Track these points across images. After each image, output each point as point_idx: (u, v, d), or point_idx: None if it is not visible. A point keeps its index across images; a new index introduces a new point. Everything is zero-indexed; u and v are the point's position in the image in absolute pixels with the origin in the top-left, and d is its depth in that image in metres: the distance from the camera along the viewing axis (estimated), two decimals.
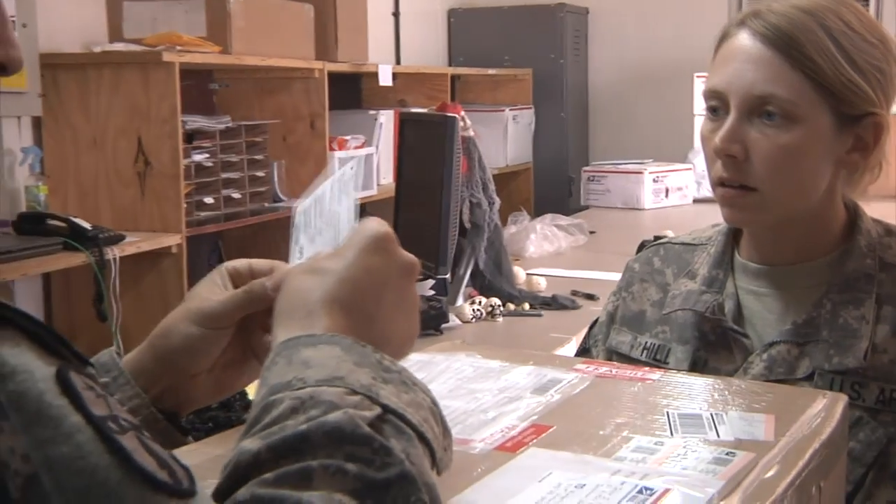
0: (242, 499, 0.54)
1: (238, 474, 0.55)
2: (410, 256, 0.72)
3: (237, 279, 0.82)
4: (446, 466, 0.64)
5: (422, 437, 0.59)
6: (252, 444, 0.56)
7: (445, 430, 0.65)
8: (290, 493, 0.53)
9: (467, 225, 2.52)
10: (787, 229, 1.21)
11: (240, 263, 0.84)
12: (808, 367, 1.17)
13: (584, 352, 1.42)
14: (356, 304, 0.67)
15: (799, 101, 1.13)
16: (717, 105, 1.18)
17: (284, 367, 0.61)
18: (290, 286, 0.70)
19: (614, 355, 1.34)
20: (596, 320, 1.42)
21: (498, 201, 2.59)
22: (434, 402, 0.65)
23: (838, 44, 1.13)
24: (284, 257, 3.43)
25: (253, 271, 0.82)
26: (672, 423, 0.82)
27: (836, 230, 1.22)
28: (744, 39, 1.16)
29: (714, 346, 1.23)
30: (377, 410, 0.58)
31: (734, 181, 1.17)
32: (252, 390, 1.90)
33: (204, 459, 0.75)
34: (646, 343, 1.30)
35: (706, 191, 4.18)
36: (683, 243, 1.35)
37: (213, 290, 0.81)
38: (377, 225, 0.71)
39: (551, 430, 0.80)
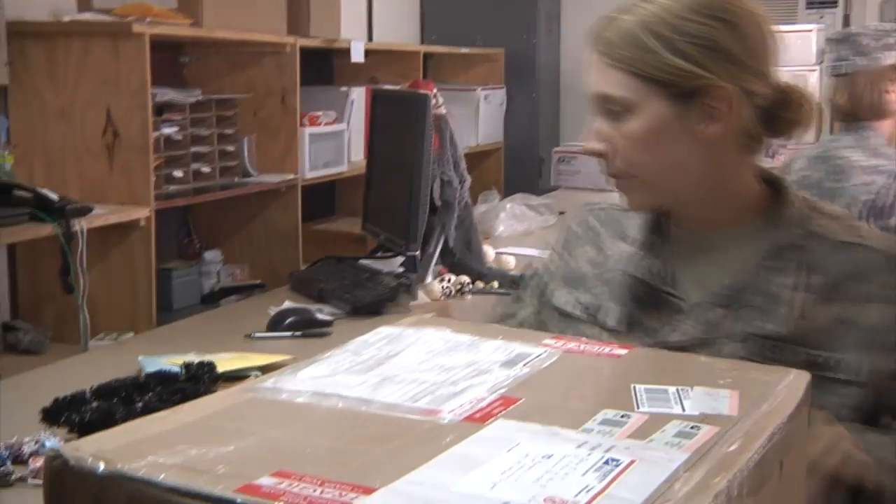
0: None
1: None
2: None
3: None
4: None
5: None
6: None
7: None
8: None
9: (438, 203, 2.52)
10: (697, 204, 1.29)
11: None
12: (732, 330, 1.23)
13: (517, 300, 1.49)
14: None
15: (628, 94, 1.24)
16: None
17: None
18: None
19: (555, 312, 1.40)
20: (534, 272, 1.48)
21: (469, 179, 2.60)
22: None
23: (658, 36, 1.23)
24: (252, 233, 3.42)
25: None
26: (638, 398, 0.83)
27: (754, 201, 1.28)
28: (588, 52, 1.30)
29: (647, 307, 1.30)
30: None
31: (612, 173, 1.29)
32: (221, 365, 1.90)
33: (176, 426, 0.75)
34: (583, 300, 1.36)
35: None
36: (619, 208, 1.41)
37: None
38: None
39: (519, 402, 0.81)
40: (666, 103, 1.23)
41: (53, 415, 1.52)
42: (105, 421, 1.48)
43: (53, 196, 2.40)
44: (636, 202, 1.31)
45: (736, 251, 1.27)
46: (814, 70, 4.05)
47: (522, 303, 1.47)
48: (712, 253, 1.29)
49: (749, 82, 1.23)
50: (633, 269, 1.32)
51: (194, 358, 1.80)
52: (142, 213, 2.63)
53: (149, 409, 1.53)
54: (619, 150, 1.26)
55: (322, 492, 0.63)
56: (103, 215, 2.52)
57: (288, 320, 2.19)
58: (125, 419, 1.48)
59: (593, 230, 1.41)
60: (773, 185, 1.30)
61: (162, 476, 0.65)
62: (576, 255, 1.41)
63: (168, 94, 2.94)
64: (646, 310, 1.30)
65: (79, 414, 1.51)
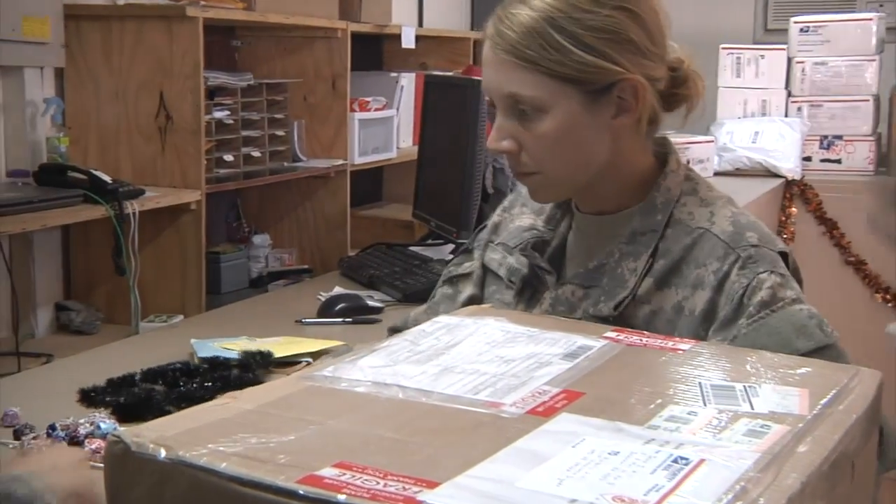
0: None
1: None
2: None
3: None
4: None
5: None
6: None
7: None
8: None
9: (490, 190, 2.50)
10: (594, 191, 1.29)
11: None
12: (582, 311, 1.26)
13: (466, 252, 1.51)
14: None
15: (540, 94, 1.21)
16: (491, 105, 1.28)
17: None
18: None
19: (486, 270, 1.43)
20: (485, 225, 1.50)
21: None
22: None
23: (565, 32, 1.19)
24: (300, 218, 3.43)
25: None
26: (705, 394, 0.81)
27: (640, 185, 1.29)
28: (488, 50, 1.25)
29: (533, 280, 1.34)
30: None
31: (519, 171, 1.28)
32: (278, 350, 1.88)
33: (235, 414, 0.74)
34: (509, 264, 1.38)
35: (727, 163, 4.15)
36: None
37: None
38: None
39: (583, 396, 0.80)
40: (578, 101, 1.22)
41: (91, 399, 1.51)
42: (145, 405, 1.47)
43: (107, 178, 2.41)
44: (541, 198, 1.33)
45: (608, 234, 1.29)
46: (873, 60, 3.95)
47: (470, 255, 1.49)
48: (591, 235, 1.32)
49: (652, 69, 1.24)
50: (516, 242, 1.37)
51: (249, 344, 1.79)
52: (193, 197, 2.64)
53: (192, 395, 1.51)
54: (526, 149, 1.25)
55: (385, 484, 0.62)
56: (155, 198, 2.53)
57: (339, 306, 2.19)
58: (166, 403, 1.49)
59: None
60: (662, 162, 1.32)
61: (223, 465, 0.64)
62: (516, 218, 1.43)
63: (220, 78, 2.94)
64: (533, 283, 1.34)
65: (117, 396, 1.50)
